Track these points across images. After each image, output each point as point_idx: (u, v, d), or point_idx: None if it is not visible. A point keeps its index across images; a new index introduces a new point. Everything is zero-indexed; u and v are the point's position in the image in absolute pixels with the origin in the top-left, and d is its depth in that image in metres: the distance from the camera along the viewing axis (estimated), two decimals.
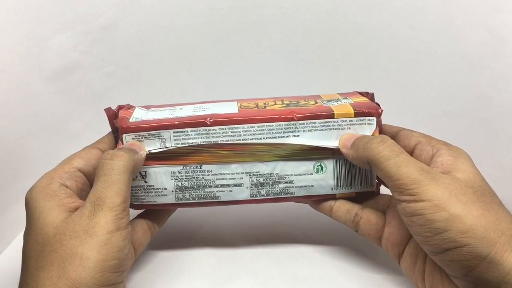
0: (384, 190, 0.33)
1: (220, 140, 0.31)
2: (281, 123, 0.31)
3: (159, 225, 0.34)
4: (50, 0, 0.41)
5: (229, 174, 0.32)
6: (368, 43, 0.46)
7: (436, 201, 0.24)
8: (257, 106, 0.34)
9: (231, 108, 0.33)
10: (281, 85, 0.48)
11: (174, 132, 0.31)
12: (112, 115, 0.33)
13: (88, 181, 0.30)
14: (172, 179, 0.32)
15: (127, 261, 0.26)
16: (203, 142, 0.31)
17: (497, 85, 0.43)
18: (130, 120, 0.32)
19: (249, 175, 0.32)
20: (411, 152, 0.30)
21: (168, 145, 0.31)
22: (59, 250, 0.24)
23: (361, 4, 0.45)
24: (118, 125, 0.32)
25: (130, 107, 0.35)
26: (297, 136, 0.32)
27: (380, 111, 0.32)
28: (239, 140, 0.31)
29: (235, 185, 0.32)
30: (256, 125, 0.31)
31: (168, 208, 0.34)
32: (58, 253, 0.24)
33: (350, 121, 0.32)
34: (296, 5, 0.45)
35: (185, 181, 0.32)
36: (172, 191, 0.32)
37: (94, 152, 0.30)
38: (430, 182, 0.25)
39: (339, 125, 0.32)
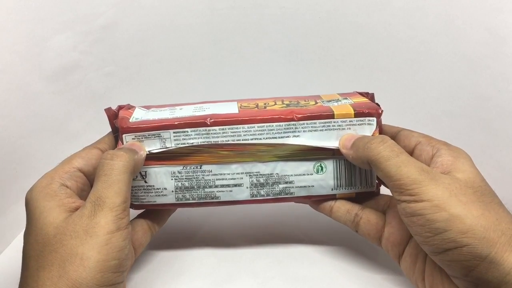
0: (384, 190, 0.33)
1: (220, 140, 0.31)
2: (281, 123, 0.31)
3: (159, 225, 0.34)
4: (50, 0, 0.41)
5: (229, 174, 0.32)
6: (368, 43, 0.46)
7: (436, 201, 0.24)
8: (257, 106, 0.34)
9: (231, 108, 0.33)
10: (281, 85, 0.48)
11: (174, 132, 0.31)
12: (112, 115, 0.33)
13: (88, 181, 0.30)
14: (172, 179, 0.32)
15: (127, 261, 0.26)
16: (203, 142, 0.31)
17: (497, 85, 0.43)
18: (130, 120, 0.32)
19: (249, 175, 0.32)
20: (411, 153, 0.30)
21: (168, 145, 0.31)
22: (59, 250, 0.24)
23: (361, 4, 0.45)
24: (118, 125, 0.32)
25: (130, 107, 0.35)
26: (297, 136, 0.32)
27: (380, 111, 0.32)
28: (239, 140, 0.31)
29: (235, 185, 0.32)
30: (256, 125, 0.31)
31: (168, 208, 0.34)
32: (59, 253, 0.24)
33: (350, 121, 0.32)
34: (296, 5, 0.45)
35: (185, 181, 0.32)
36: (172, 191, 0.32)
37: (94, 152, 0.30)
38: (430, 182, 0.25)
39: (339, 125, 0.32)
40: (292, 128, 0.31)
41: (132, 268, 0.34)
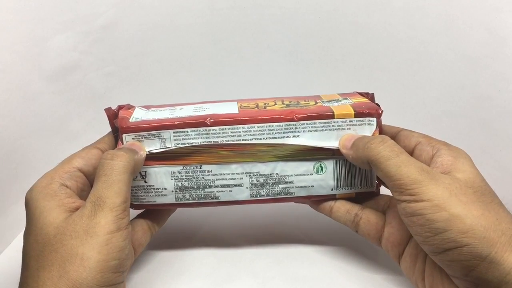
0: (384, 190, 0.33)
1: (220, 140, 0.31)
2: (281, 123, 0.31)
3: (159, 225, 0.34)
4: (50, 0, 0.41)
5: (229, 174, 0.32)
6: (368, 43, 0.46)
7: (436, 201, 0.24)
8: (257, 106, 0.34)
9: (231, 108, 0.33)
10: (281, 85, 0.48)
11: (174, 132, 0.31)
12: (112, 115, 0.33)
13: (88, 181, 0.30)
14: (172, 179, 0.32)
15: (127, 261, 0.26)
16: (203, 142, 0.31)
17: (497, 85, 0.43)
18: (130, 120, 0.32)
19: (249, 176, 0.32)
20: (411, 153, 0.30)
21: (168, 145, 0.31)
22: (59, 250, 0.24)
23: (361, 4, 0.45)
24: (118, 125, 0.32)
25: (130, 107, 0.35)
26: (297, 136, 0.32)
27: (380, 111, 0.32)
28: (239, 140, 0.31)
29: (235, 185, 0.32)
30: (256, 125, 0.31)
31: (168, 208, 0.34)
32: (59, 253, 0.24)
33: (350, 121, 0.32)
34: (296, 5, 0.45)
35: (185, 181, 0.32)
36: (172, 191, 0.32)
37: (94, 152, 0.30)
38: (430, 182, 0.25)
39: (339, 125, 0.32)
40: (292, 128, 0.31)
41: (132, 268, 0.34)
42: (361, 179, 0.33)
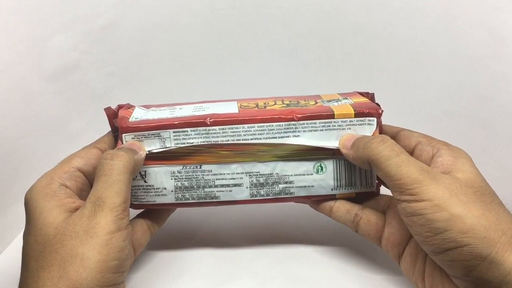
0: (384, 190, 0.33)
1: (220, 140, 0.31)
2: (281, 123, 0.31)
3: (158, 225, 0.34)
4: (50, 0, 0.41)
5: (229, 174, 0.32)
6: (368, 43, 0.46)
7: (437, 201, 0.24)
8: (257, 106, 0.34)
9: (231, 108, 0.33)
10: (281, 85, 0.48)
11: (174, 132, 0.31)
12: (112, 115, 0.33)
13: (87, 181, 0.29)
14: (171, 179, 0.32)
15: (127, 261, 0.26)
16: (203, 142, 0.31)
17: (497, 85, 0.43)
18: (130, 120, 0.32)
19: (249, 175, 0.32)
20: (411, 153, 0.30)
21: (168, 145, 0.31)
22: (59, 250, 0.24)
23: (361, 4, 0.45)
24: (118, 124, 0.32)
25: (130, 107, 0.35)
26: (297, 136, 0.32)
27: (380, 111, 0.32)
28: (239, 140, 0.31)
29: (235, 185, 0.32)
30: (256, 125, 0.31)
31: (168, 208, 0.34)
32: (59, 254, 0.24)
33: (350, 121, 0.32)
34: (296, 5, 0.45)
35: (184, 181, 0.32)
36: (172, 191, 0.32)
37: (94, 151, 0.30)
38: (430, 182, 0.25)
39: (339, 125, 0.32)
40: (292, 128, 0.31)
41: (132, 268, 0.34)
42: (361, 179, 0.33)
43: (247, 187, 0.32)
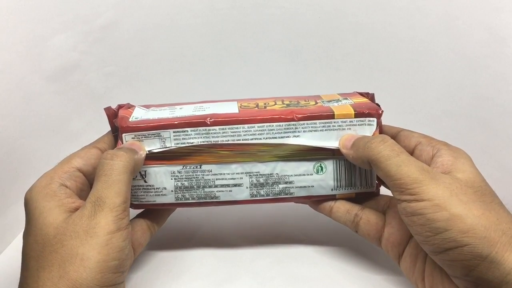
0: (384, 191, 0.33)
1: (220, 140, 0.31)
2: (281, 123, 0.31)
3: (158, 225, 0.34)
4: (50, 0, 0.41)
5: (229, 174, 0.32)
6: (368, 43, 0.46)
7: (437, 201, 0.24)
8: (257, 106, 0.34)
9: (231, 108, 0.33)
10: (281, 85, 0.48)
11: (174, 132, 0.31)
12: (112, 114, 0.33)
13: (87, 181, 0.29)
14: (171, 179, 0.32)
15: (127, 261, 0.26)
16: (203, 142, 0.31)
17: (497, 85, 0.43)
18: (130, 120, 0.32)
19: (249, 175, 0.32)
20: (411, 153, 0.30)
21: (168, 144, 0.31)
22: (59, 250, 0.24)
23: (361, 4, 0.45)
24: (118, 124, 0.32)
25: (130, 107, 0.35)
26: (297, 136, 0.32)
27: (380, 112, 0.32)
28: (239, 140, 0.31)
29: (235, 185, 0.32)
30: (256, 125, 0.31)
31: (168, 208, 0.34)
32: (59, 254, 0.24)
33: (350, 121, 0.32)
34: (296, 5, 0.45)
35: (184, 181, 0.32)
36: (172, 190, 0.32)
37: (94, 151, 0.30)
38: (430, 181, 0.25)
39: (339, 125, 0.32)
40: (292, 128, 0.31)
41: (132, 268, 0.34)
42: (361, 179, 0.33)
43: (247, 187, 0.32)
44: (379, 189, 0.33)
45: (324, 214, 0.34)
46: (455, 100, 0.46)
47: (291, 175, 0.32)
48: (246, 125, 0.31)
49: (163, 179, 0.32)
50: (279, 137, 0.31)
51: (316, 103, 0.34)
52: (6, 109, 0.38)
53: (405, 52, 0.46)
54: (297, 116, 0.31)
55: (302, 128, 0.31)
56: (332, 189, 0.33)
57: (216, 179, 0.32)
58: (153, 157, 0.31)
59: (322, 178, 0.32)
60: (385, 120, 0.33)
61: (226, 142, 0.31)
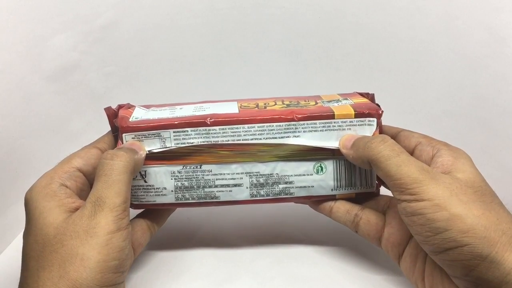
0: (384, 191, 0.33)
1: (220, 140, 0.31)
2: (281, 123, 0.31)
3: (158, 225, 0.34)
4: (50, 0, 0.41)
5: (229, 174, 0.32)
6: (368, 43, 0.46)
7: (437, 201, 0.24)
8: (257, 106, 0.34)
9: (231, 108, 0.33)
10: (281, 85, 0.48)
11: (174, 132, 0.31)
12: (112, 114, 0.33)
13: (87, 181, 0.29)
14: (171, 179, 0.32)
15: (127, 261, 0.26)
16: (203, 142, 0.31)
17: (497, 85, 0.43)
18: (130, 120, 0.32)
19: (249, 175, 0.32)
20: (411, 153, 0.30)
21: (168, 144, 0.31)
22: (59, 250, 0.24)
23: (361, 4, 0.45)
24: (118, 124, 0.32)
25: (130, 107, 0.35)
26: (297, 136, 0.32)
27: (380, 112, 0.32)
28: (239, 140, 0.31)
29: (235, 185, 0.32)
30: (256, 125, 0.31)
31: (168, 208, 0.34)
32: (59, 254, 0.24)
33: (350, 122, 0.32)
34: (296, 5, 0.45)
35: (184, 181, 0.32)
36: (172, 190, 0.32)
37: (94, 151, 0.30)
38: (430, 181, 0.25)
39: (339, 125, 0.32)
40: (292, 128, 0.31)
41: (132, 268, 0.34)
42: (361, 179, 0.33)
43: (247, 187, 0.32)
44: (379, 189, 0.33)
45: (324, 214, 0.34)
46: (455, 100, 0.46)
47: (291, 175, 0.32)
48: (246, 125, 0.31)
49: (163, 179, 0.32)
50: (279, 137, 0.32)
51: (316, 103, 0.34)
52: (6, 109, 0.38)
53: (405, 52, 0.46)
54: (297, 116, 0.31)
55: (302, 128, 0.31)
56: (332, 189, 0.33)
57: (216, 179, 0.32)
58: (153, 157, 0.31)
59: (322, 178, 0.32)
60: (385, 120, 0.33)
61: (226, 142, 0.31)
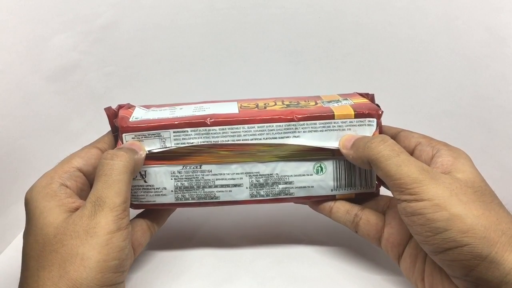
0: (383, 191, 0.33)
1: (220, 140, 0.31)
2: (281, 123, 0.31)
3: (158, 225, 0.34)
4: (50, 0, 0.41)
5: (229, 174, 0.32)
6: (368, 43, 0.46)
7: (437, 201, 0.24)
8: (257, 106, 0.34)
9: (231, 108, 0.33)
10: (281, 85, 0.48)
11: (174, 132, 0.31)
12: (112, 114, 0.33)
13: (87, 181, 0.30)
14: (171, 179, 0.32)
15: (127, 261, 0.26)
16: (203, 142, 0.31)
17: (497, 85, 0.43)
18: (130, 120, 0.32)
19: (249, 176, 0.32)
20: (411, 153, 0.30)
21: (168, 145, 0.31)
22: (59, 250, 0.24)
23: (361, 4, 0.45)
24: (118, 124, 0.32)
25: (130, 107, 0.35)
26: (297, 136, 0.32)
27: (380, 112, 0.32)
28: (239, 140, 0.31)
29: (235, 185, 0.32)
30: (256, 125, 0.31)
31: (168, 208, 0.34)
32: (59, 253, 0.24)
33: (350, 122, 0.32)
34: (296, 5, 0.45)
35: (184, 181, 0.32)
36: (172, 191, 0.32)
37: (94, 151, 0.30)
38: (430, 181, 0.25)
39: (339, 126, 0.32)
40: (292, 128, 0.31)
41: (132, 268, 0.34)
42: (361, 179, 0.33)
43: (247, 188, 0.32)
44: (379, 190, 0.33)
45: (324, 214, 0.34)
46: (455, 100, 0.46)
47: (291, 176, 0.32)
48: (246, 126, 0.31)
49: (163, 179, 0.32)
50: (279, 138, 0.32)
51: (316, 103, 0.34)
52: (6, 109, 0.38)
53: (405, 52, 0.46)
54: (297, 116, 0.31)
55: (302, 128, 0.31)
56: (332, 190, 0.33)
57: (216, 179, 0.32)
58: (153, 157, 0.31)
59: (322, 178, 0.32)
60: (385, 120, 0.33)
61: (226, 142, 0.31)
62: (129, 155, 0.28)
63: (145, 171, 0.32)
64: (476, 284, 0.24)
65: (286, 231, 0.38)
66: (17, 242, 0.39)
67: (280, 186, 0.32)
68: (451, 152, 0.28)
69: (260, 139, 0.31)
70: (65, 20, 0.43)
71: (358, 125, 0.32)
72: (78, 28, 0.44)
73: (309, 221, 0.39)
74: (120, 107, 0.34)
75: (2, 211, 0.38)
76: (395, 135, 0.32)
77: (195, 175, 0.32)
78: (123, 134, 0.31)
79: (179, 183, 0.32)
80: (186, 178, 0.32)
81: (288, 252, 0.36)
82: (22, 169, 0.39)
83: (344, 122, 0.32)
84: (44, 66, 0.42)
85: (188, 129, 0.31)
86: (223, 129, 0.31)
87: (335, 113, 0.32)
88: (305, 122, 0.31)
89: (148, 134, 0.31)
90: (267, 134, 0.31)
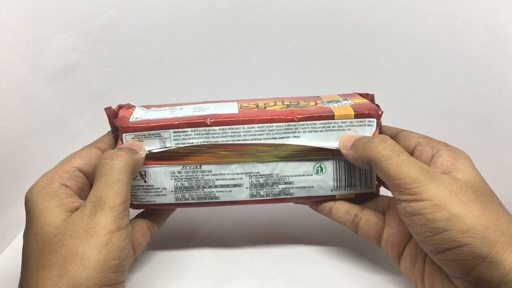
0: (383, 191, 0.33)
1: (220, 140, 0.31)
2: (281, 123, 0.31)
3: (158, 225, 0.34)
4: (50, 0, 0.41)
5: (228, 174, 0.32)
6: (368, 43, 0.46)
7: (437, 201, 0.24)
8: (257, 106, 0.34)
9: (231, 109, 0.33)
10: (281, 85, 0.48)
11: (174, 132, 0.31)
12: (112, 115, 0.33)
13: (87, 180, 0.30)
14: (171, 179, 0.32)
15: (127, 261, 0.26)
16: (203, 142, 0.31)
17: (497, 85, 0.43)
18: (130, 120, 0.32)
19: (249, 176, 0.32)
20: (411, 153, 0.30)
21: (168, 145, 0.31)
22: (59, 250, 0.24)
23: (361, 4, 0.45)
24: (118, 124, 0.32)
25: (130, 107, 0.35)
26: (297, 137, 0.32)
27: (380, 112, 0.32)
28: (239, 140, 0.31)
29: (235, 185, 0.32)
30: (256, 125, 0.31)
31: (168, 208, 0.34)
32: (59, 253, 0.24)
33: (350, 122, 0.32)
34: (296, 5, 0.45)
35: (184, 181, 0.32)
36: (172, 191, 0.32)
37: (94, 151, 0.30)
38: (430, 181, 0.25)
39: (339, 126, 0.32)
40: (292, 128, 0.31)
41: (132, 268, 0.34)
42: (361, 180, 0.33)
43: (247, 188, 0.32)
44: (378, 190, 0.33)
45: (323, 214, 0.34)
46: (455, 100, 0.46)
47: (291, 176, 0.32)
48: (246, 126, 0.31)
49: (163, 179, 0.32)
50: (279, 138, 0.32)
51: (316, 103, 0.34)
52: (6, 109, 0.38)
53: (405, 52, 0.46)
54: (297, 116, 0.31)
55: (302, 128, 0.31)
56: (331, 190, 0.33)
57: (216, 180, 0.32)
58: (153, 157, 0.31)
59: (322, 178, 0.32)
60: (385, 121, 0.33)
61: (226, 143, 0.31)
62: (129, 155, 0.28)
63: (145, 171, 0.32)
64: (476, 284, 0.24)
65: (286, 231, 0.38)
66: (17, 242, 0.39)
67: (280, 186, 0.32)
68: (451, 152, 0.28)
69: (260, 139, 0.31)
70: (65, 20, 0.43)
71: (358, 125, 0.32)
72: (78, 28, 0.44)
73: (309, 221, 0.39)
74: (120, 107, 0.34)
75: (2, 211, 0.38)
76: (395, 135, 0.32)
77: (195, 175, 0.32)
78: (123, 134, 0.31)
79: (179, 183, 0.32)
80: (186, 178, 0.32)
81: (288, 252, 0.36)
82: (22, 169, 0.39)
83: (344, 122, 0.32)
84: (44, 66, 0.42)
85: (188, 129, 0.31)
86: (223, 129, 0.31)
87: (335, 113, 0.32)
88: (305, 122, 0.31)
89: (148, 134, 0.31)
90: (267, 134, 0.31)
